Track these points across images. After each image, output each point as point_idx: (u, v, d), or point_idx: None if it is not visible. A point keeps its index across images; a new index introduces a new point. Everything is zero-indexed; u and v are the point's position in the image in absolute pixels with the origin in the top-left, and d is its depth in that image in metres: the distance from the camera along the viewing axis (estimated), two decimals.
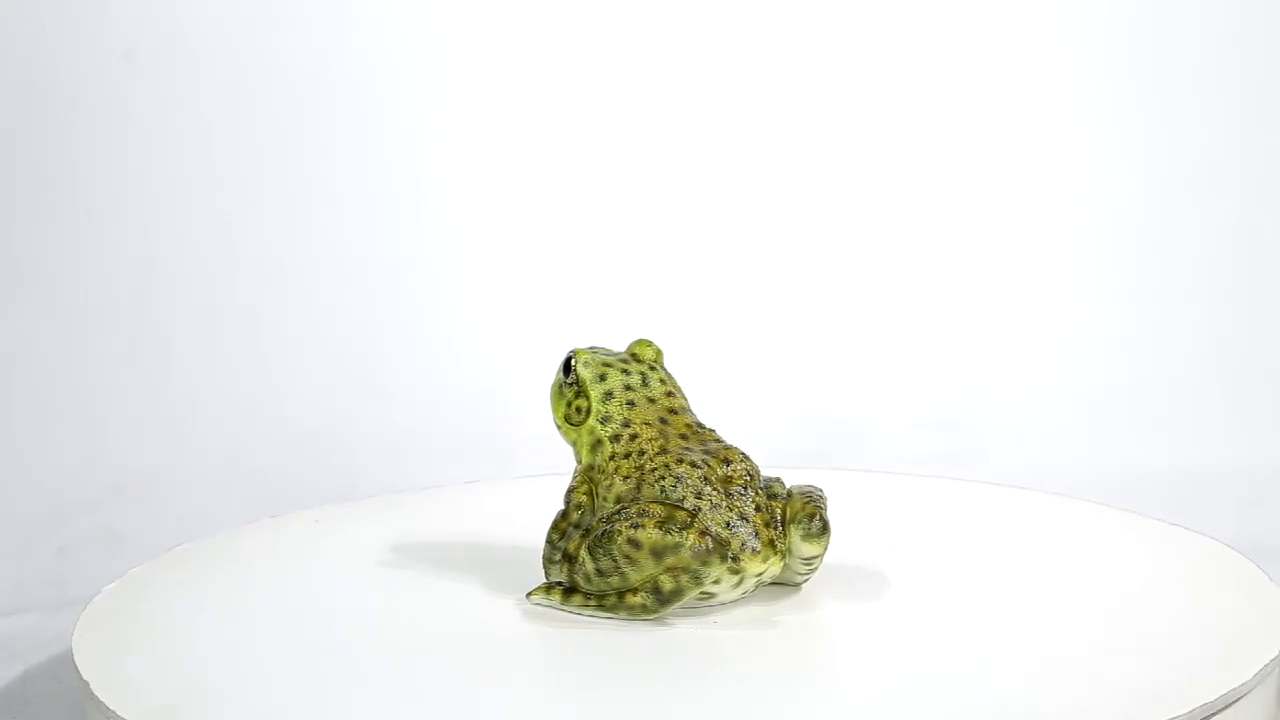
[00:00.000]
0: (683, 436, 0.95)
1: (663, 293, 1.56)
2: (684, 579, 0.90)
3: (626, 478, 0.93)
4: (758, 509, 0.92)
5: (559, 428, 0.98)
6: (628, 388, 0.97)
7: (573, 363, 0.98)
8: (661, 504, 0.91)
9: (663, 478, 0.92)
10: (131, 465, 1.44)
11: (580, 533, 0.94)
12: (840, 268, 1.58)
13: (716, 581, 0.91)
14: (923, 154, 1.59)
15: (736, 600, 0.93)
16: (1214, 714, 0.81)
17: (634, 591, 0.92)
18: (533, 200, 1.58)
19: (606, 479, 0.94)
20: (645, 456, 0.94)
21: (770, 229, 1.59)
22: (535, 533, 1.02)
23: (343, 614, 0.96)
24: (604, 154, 1.59)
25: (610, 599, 0.92)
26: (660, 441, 0.94)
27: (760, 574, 0.92)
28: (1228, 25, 1.58)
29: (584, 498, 0.95)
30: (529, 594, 0.95)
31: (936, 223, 1.59)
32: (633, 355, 0.99)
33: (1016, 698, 0.83)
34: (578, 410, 0.97)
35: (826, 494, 0.96)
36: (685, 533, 0.90)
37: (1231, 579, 0.98)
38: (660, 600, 0.91)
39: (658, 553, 0.90)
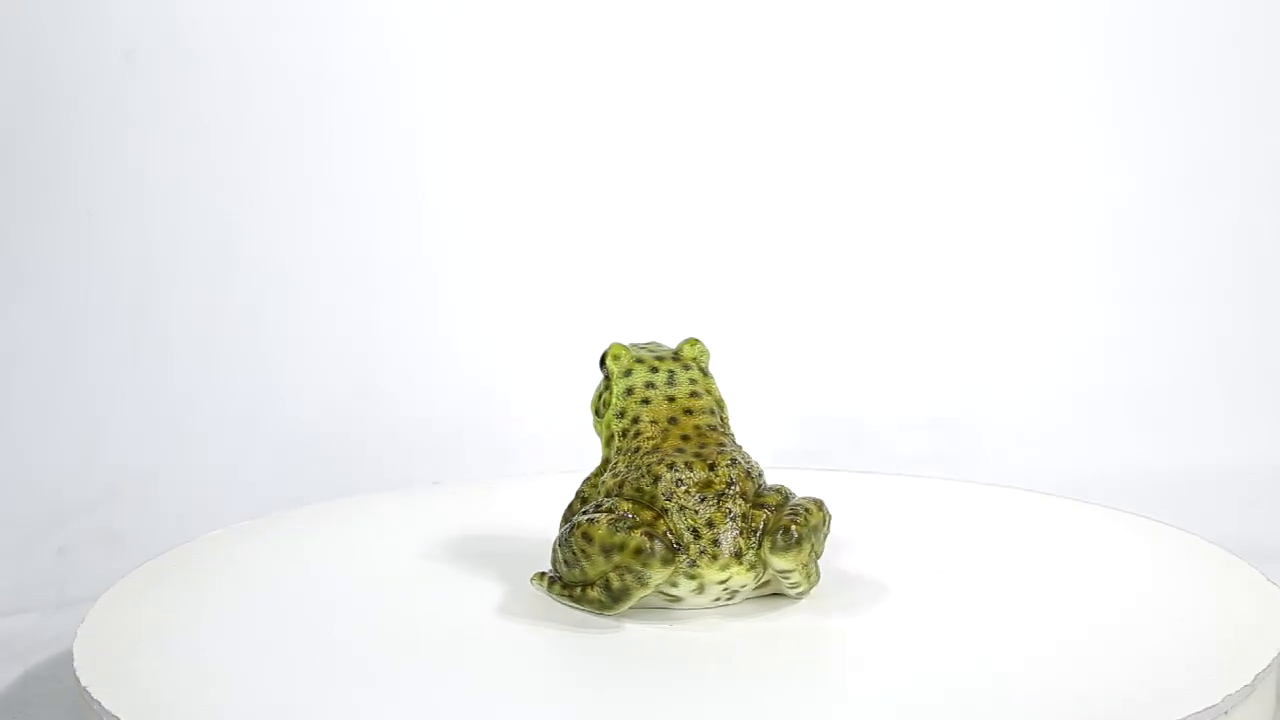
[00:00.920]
0: (684, 438, 0.95)
1: (662, 293, 1.56)
2: (628, 578, 0.91)
3: (617, 474, 0.94)
4: (731, 517, 0.92)
5: (592, 419, 0.99)
6: (649, 385, 0.97)
7: (605, 357, 0.98)
8: (635, 502, 0.92)
9: (641, 477, 0.93)
10: (131, 465, 1.44)
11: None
12: (840, 268, 1.58)
13: (674, 585, 0.91)
14: (924, 154, 1.59)
15: (712, 607, 0.93)
16: (1215, 715, 0.81)
17: (592, 585, 0.92)
18: (533, 200, 1.58)
19: (608, 472, 0.95)
20: (639, 454, 0.94)
21: (770, 229, 1.59)
22: (534, 531, 1.02)
23: (342, 613, 0.96)
24: (604, 154, 1.59)
25: (577, 590, 0.93)
26: (656, 440, 0.94)
27: (723, 582, 0.91)
28: (1228, 25, 1.58)
29: (590, 489, 0.97)
30: (531, 577, 0.97)
31: (937, 223, 1.59)
32: (674, 353, 0.99)
33: (1016, 698, 0.83)
34: (605, 404, 0.98)
35: (830, 508, 0.95)
36: (632, 532, 0.90)
37: (1231, 579, 0.98)
38: (611, 597, 0.92)
39: (606, 550, 0.91)
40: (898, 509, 1.13)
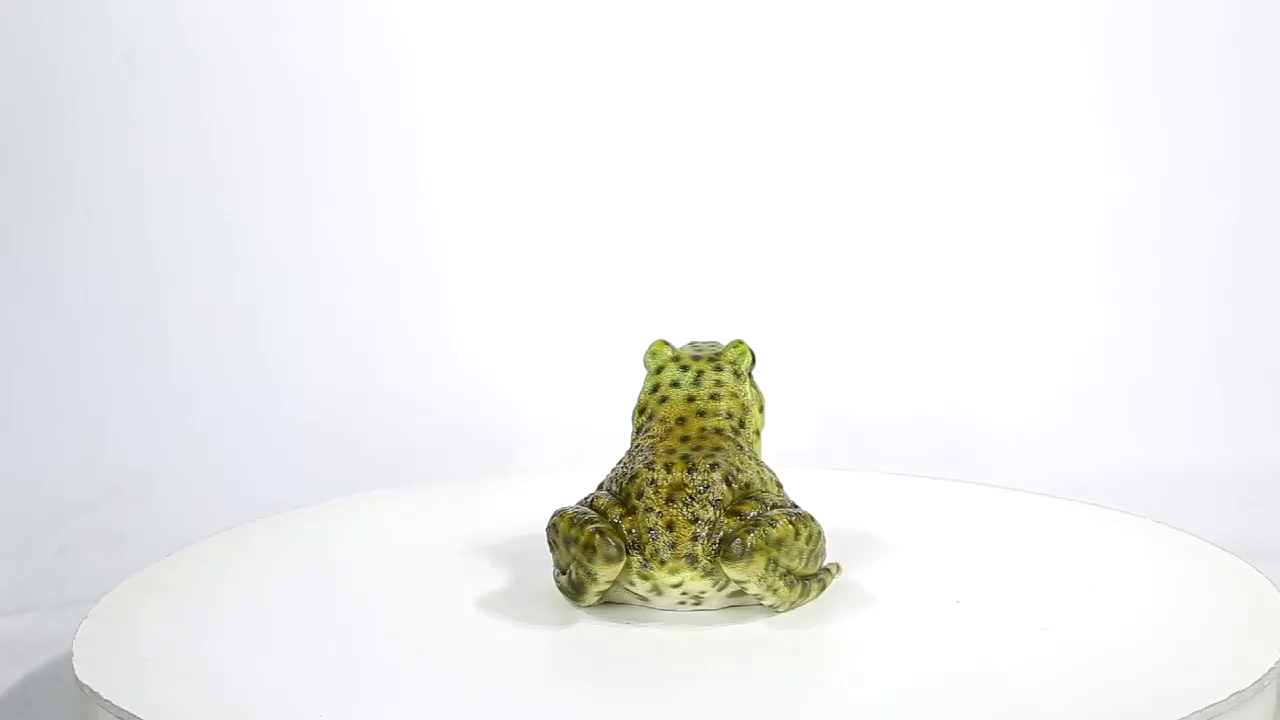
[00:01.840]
0: (684, 439, 0.94)
1: (662, 293, 1.56)
2: (580, 572, 0.91)
3: (616, 468, 0.94)
4: (694, 521, 0.91)
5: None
6: (674, 384, 0.97)
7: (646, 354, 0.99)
8: (613, 497, 0.92)
9: (624, 474, 0.93)
10: (131, 465, 1.44)
11: None
12: (839, 268, 1.58)
13: (631, 584, 0.91)
14: (923, 155, 1.59)
15: (678, 609, 0.92)
16: (1216, 716, 0.81)
17: (564, 572, 0.93)
18: (533, 200, 1.58)
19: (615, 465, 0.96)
20: (638, 450, 0.94)
21: (770, 230, 1.59)
22: (535, 530, 1.02)
23: (343, 613, 0.96)
24: (604, 154, 1.59)
25: (558, 574, 0.94)
26: (653, 440, 0.94)
27: (677, 585, 0.91)
28: (1228, 25, 1.58)
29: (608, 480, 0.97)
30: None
31: (936, 222, 1.59)
32: (713, 354, 0.98)
33: (1016, 699, 0.83)
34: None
35: (822, 524, 0.94)
36: (584, 528, 0.90)
37: (1232, 580, 0.98)
38: (573, 587, 0.92)
39: (566, 541, 0.92)
40: (897, 509, 1.13)
